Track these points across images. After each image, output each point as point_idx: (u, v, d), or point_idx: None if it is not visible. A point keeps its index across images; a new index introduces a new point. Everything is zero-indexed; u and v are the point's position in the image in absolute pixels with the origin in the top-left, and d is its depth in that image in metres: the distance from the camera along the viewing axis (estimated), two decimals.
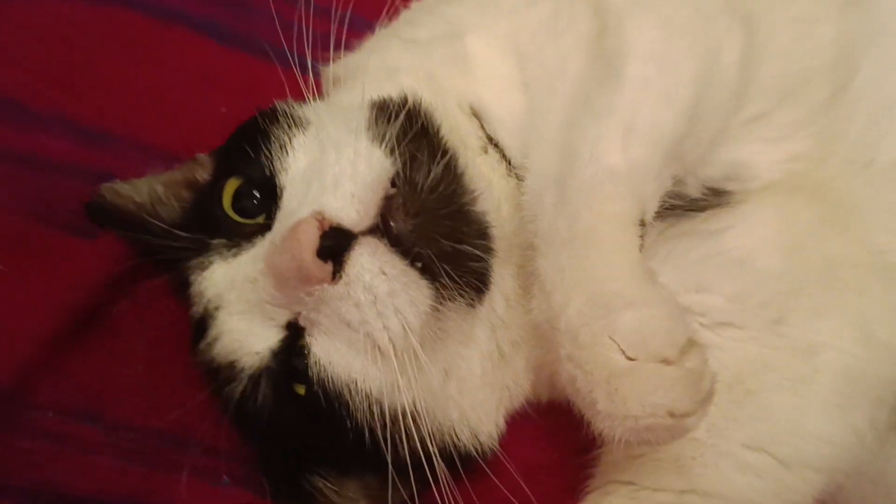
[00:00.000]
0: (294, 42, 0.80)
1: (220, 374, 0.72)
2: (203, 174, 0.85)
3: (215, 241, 0.74)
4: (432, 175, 0.70)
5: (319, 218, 0.64)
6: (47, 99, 0.94)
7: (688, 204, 0.77)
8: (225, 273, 0.72)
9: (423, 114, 0.76)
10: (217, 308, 0.73)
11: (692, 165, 0.74)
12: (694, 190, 0.77)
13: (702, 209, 0.78)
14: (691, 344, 0.60)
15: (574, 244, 0.64)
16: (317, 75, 0.82)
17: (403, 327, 0.65)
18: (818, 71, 0.75)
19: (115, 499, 0.80)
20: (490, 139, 0.80)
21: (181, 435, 0.81)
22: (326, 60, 0.88)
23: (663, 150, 0.67)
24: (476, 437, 0.76)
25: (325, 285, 0.65)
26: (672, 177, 0.71)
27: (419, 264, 0.66)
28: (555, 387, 0.80)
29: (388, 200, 0.67)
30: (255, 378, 0.70)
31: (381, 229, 0.66)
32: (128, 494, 0.81)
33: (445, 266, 0.67)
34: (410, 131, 0.72)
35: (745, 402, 0.75)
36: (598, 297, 0.62)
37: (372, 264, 0.65)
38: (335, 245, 0.64)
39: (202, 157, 0.88)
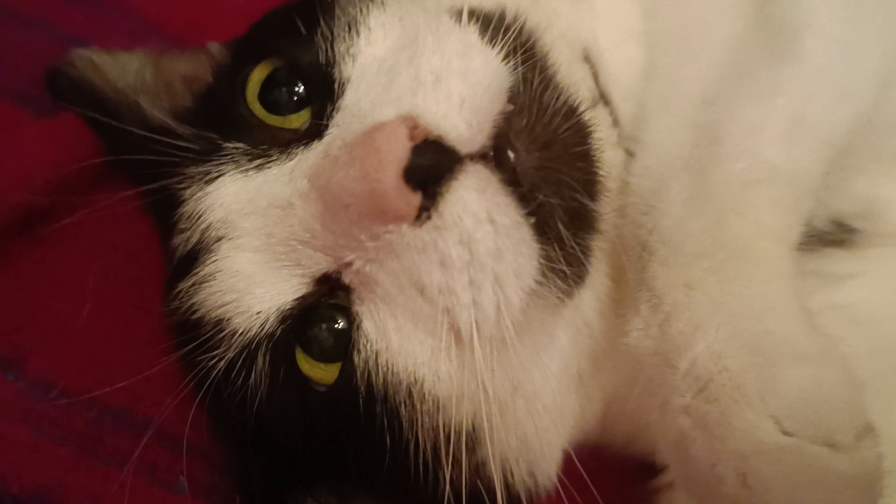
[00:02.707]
0: None
1: (201, 333, 0.59)
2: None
3: (231, 145, 0.61)
4: (561, 99, 0.58)
5: (411, 125, 0.51)
6: None
7: (814, 236, 0.68)
8: (241, 191, 0.59)
9: (530, 35, 0.64)
10: (219, 238, 0.59)
11: (826, 190, 0.66)
12: (820, 220, 0.68)
13: (825, 244, 0.70)
14: (869, 429, 0.51)
15: (715, 258, 0.55)
16: None
17: (498, 306, 0.53)
18: None
19: (15, 489, 0.65)
20: (602, 94, 0.70)
21: (131, 412, 0.68)
22: None
23: (828, 157, 0.60)
24: (532, 473, 0.65)
25: (404, 226, 0.52)
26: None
27: (533, 219, 0.54)
28: (633, 435, 0.73)
29: (507, 118, 0.55)
30: (250, 348, 0.57)
31: (494, 157, 0.54)
32: (38, 487, 0.65)
33: (565, 228, 0.55)
34: (520, 49, 0.59)
35: None
36: (748, 338, 0.52)
37: (479, 206, 0.52)
38: (432, 167, 0.51)
39: (214, 47, 0.75)
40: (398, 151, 0.49)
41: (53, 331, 0.70)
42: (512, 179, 0.53)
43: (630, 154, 0.65)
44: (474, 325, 0.53)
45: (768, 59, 0.60)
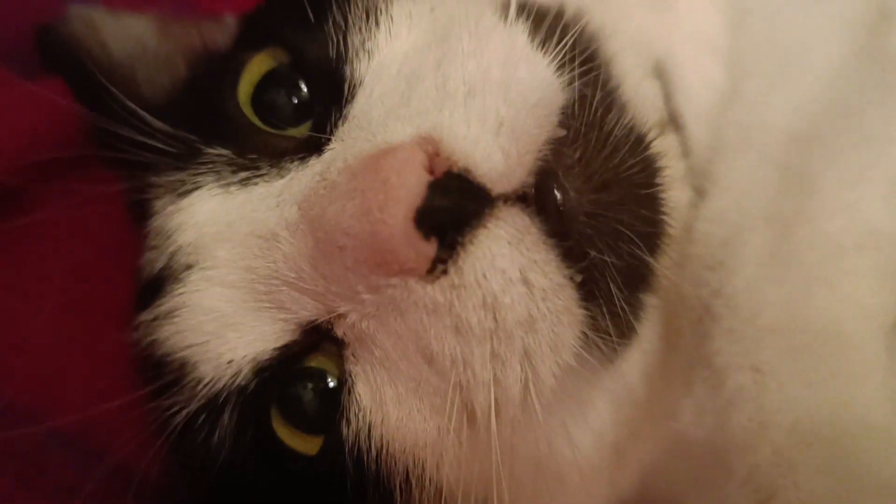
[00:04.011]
0: None
1: (162, 374, 0.52)
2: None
3: (212, 151, 0.53)
4: (626, 124, 0.50)
5: (430, 149, 0.43)
6: None
7: None
8: (218, 210, 0.52)
9: (592, 39, 0.57)
10: (189, 266, 0.52)
11: None
12: None
13: None
14: None
15: (795, 338, 0.50)
16: None
17: (526, 385, 0.46)
18: None
19: None
20: (673, 118, 0.62)
21: (85, 441, 0.59)
22: None
23: None
24: None
25: (412, 280, 0.44)
26: None
27: (580, 277, 0.46)
28: None
29: (555, 148, 0.46)
30: (216, 403, 0.50)
31: (536, 198, 0.45)
32: None
33: (617, 290, 0.47)
34: (579, 55, 0.51)
35: None
36: (827, 452, 0.47)
37: (510, 262, 0.44)
38: (453, 209, 0.43)
39: (231, 20, 0.68)
40: (411, 186, 0.41)
41: (3, 331, 0.61)
42: (557, 229, 0.45)
43: (699, 193, 0.58)
44: (493, 405, 0.45)
45: (881, 98, 0.54)
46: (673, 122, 0.61)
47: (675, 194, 0.56)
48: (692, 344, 0.54)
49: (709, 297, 0.54)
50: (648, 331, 0.56)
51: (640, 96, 0.58)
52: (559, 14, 0.56)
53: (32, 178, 0.62)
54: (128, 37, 0.68)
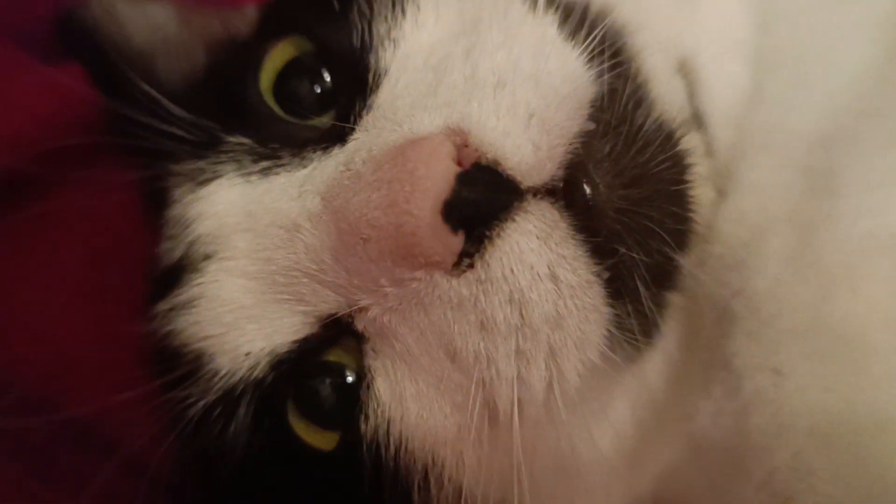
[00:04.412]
0: None
1: (178, 365, 0.51)
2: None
3: (233, 139, 0.52)
4: (657, 120, 0.49)
5: (459, 140, 0.42)
6: None
7: None
8: (239, 200, 0.51)
9: (618, 34, 0.55)
10: (208, 256, 0.51)
11: None
12: None
13: None
14: None
15: (816, 341, 0.48)
16: None
17: (550, 383, 0.45)
18: None
19: None
20: (697, 117, 0.60)
21: (99, 432, 0.57)
22: None
23: None
24: None
25: (437, 274, 0.43)
26: None
27: (607, 274, 0.45)
28: None
29: (586, 142, 0.45)
30: (233, 395, 0.49)
31: (565, 193, 0.44)
32: None
33: (644, 288, 0.46)
34: (607, 50, 0.50)
35: None
36: (847, 459, 0.46)
37: (539, 257, 0.43)
38: (481, 203, 0.42)
39: (252, 10, 0.67)
40: (439, 178, 0.40)
41: (18, 320, 0.61)
42: (586, 224, 0.44)
43: (721, 193, 0.56)
44: (516, 404, 0.44)
45: None
46: (696, 120, 0.59)
47: (700, 193, 0.55)
48: (711, 345, 0.53)
49: (729, 297, 0.53)
50: (671, 330, 0.55)
51: (666, 93, 0.57)
52: (587, 8, 0.55)
53: (48, 166, 0.60)
54: (148, 24, 0.67)
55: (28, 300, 0.61)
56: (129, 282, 0.60)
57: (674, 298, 0.52)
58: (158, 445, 0.52)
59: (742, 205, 0.55)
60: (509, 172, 0.42)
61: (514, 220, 0.42)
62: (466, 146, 0.42)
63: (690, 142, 0.54)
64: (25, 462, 0.58)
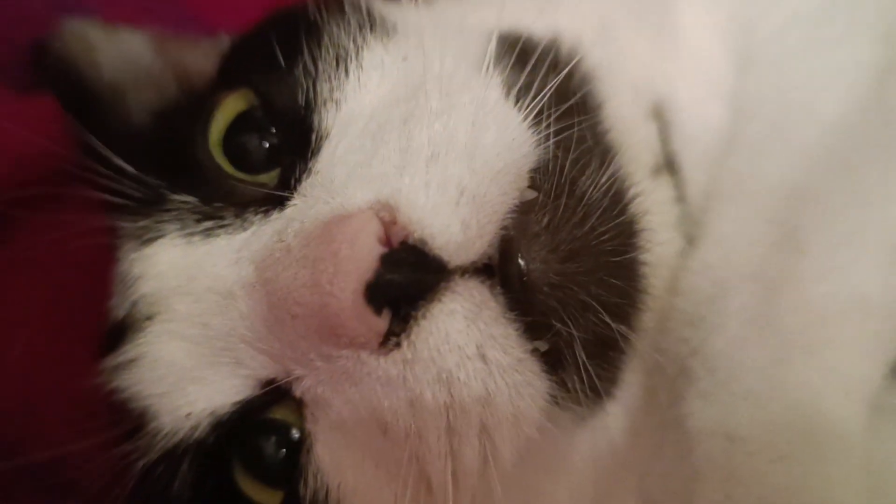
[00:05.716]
0: None
1: (124, 420, 0.51)
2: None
3: (177, 198, 0.51)
4: (604, 183, 0.47)
5: (387, 217, 0.41)
6: None
7: None
8: (180, 262, 0.50)
9: (584, 80, 0.54)
10: (150, 317, 0.50)
11: None
12: None
13: None
14: None
15: (768, 408, 0.46)
16: None
17: (486, 457, 0.44)
18: None
19: None
20: (669, 161, 0.59)
21: (56, 475, 0.55)
22: None
23: None
24: None
25: (364, 353, 0.42)
26: None
27: (545, 346, 0.44)
28: None
29: (521, 215, 0.44)
30: (175, 453, 0.49)
31: (500, 267, 0.43)
32: None
33: (586, 358, 0.45)
34: (563, 102, 0.49)
35: None
36: None
37: (466, 338, 0.42)
38: (406, 284, 0.41)
39: (226, 39, 0.65)
40: (362, 259, 0.39)
41: None
42: (520, 301, 0.43)
43: (690, 241, 0.55)
44: (450, 478, 0.43)
45: (880, 156, 0.50)
46: (669, 165, 0.58)
47: (664, 238, 0.54)
48: (668, 403, 0.52)
49: (687, 354, 0.51)
50: (632, 384, 0.54)
51: (635, 139, 0.56)
52: (548, 50, 0.54)
53: (17, 208, 0.60)
54: (121, 55, 0.66)
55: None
56: (95, 326, 0.58)
57: (627, 360, 0.51)
58: (111, 495, 0.51)
59: (707, 257, 0.53)
60: (436, 252, 0.41)
61: (439, 301, 0.41)
62: (394, 224, 0.41)
63: (644, 204, 0.52)
64: None
